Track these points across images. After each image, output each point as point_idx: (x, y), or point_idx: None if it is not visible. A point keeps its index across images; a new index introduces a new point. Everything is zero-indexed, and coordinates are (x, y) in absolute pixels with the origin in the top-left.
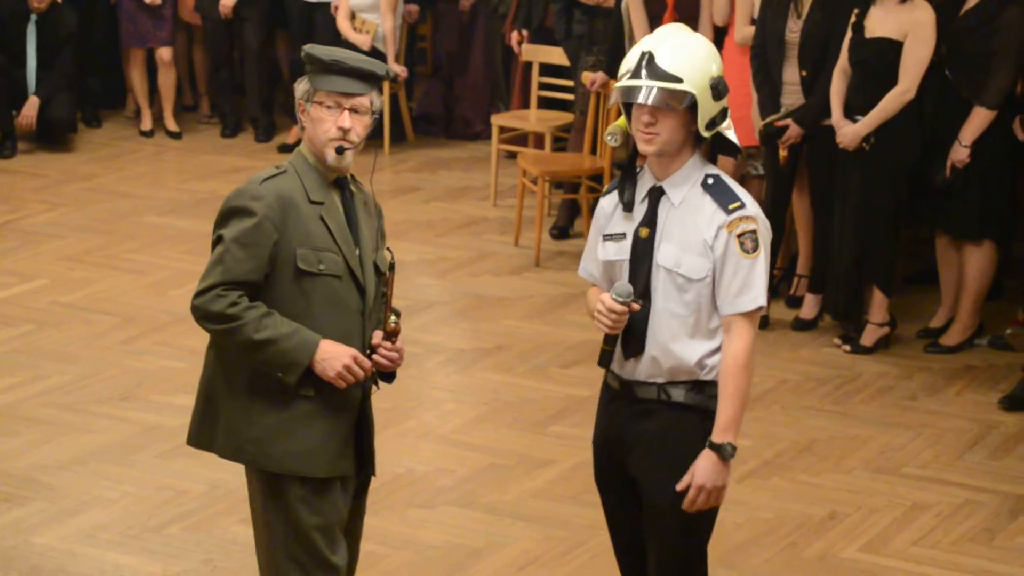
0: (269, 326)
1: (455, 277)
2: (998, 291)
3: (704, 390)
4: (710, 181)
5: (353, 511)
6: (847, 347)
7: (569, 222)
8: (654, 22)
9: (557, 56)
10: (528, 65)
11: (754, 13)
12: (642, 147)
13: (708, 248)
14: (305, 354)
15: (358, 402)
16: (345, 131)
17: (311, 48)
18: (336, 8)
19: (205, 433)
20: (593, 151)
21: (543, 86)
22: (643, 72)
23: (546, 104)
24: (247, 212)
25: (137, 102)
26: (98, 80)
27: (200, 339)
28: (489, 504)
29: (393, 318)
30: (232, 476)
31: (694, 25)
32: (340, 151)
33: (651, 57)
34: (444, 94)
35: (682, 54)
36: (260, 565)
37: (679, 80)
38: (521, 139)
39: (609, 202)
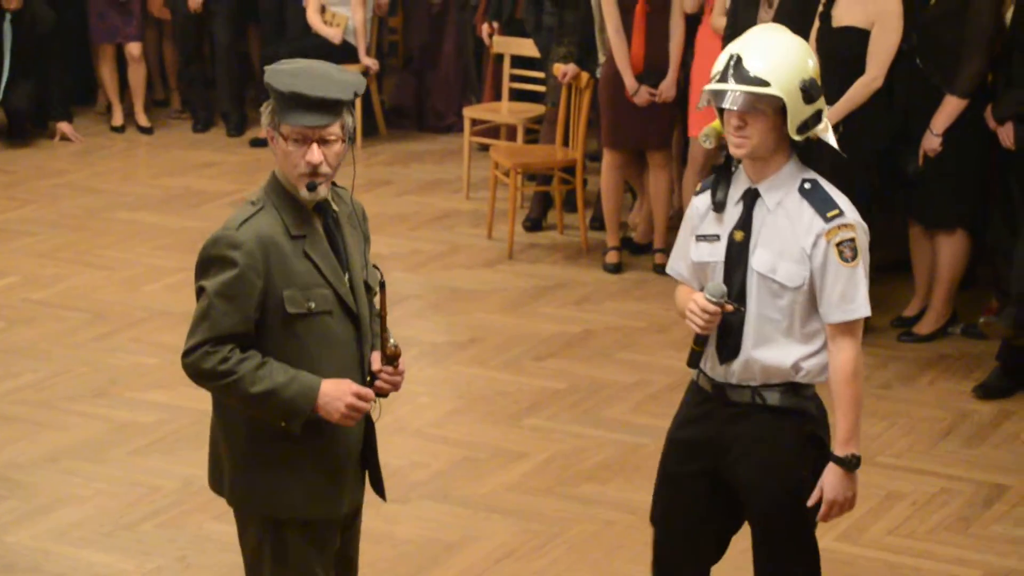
0: (265, 377)
1: (428, 270)
2: (971, 280)
3: (800, 392)
4: (807, 186)
5: (353, 534)
6: None
7: (542, 214)
8: (626, 13)
9: (528, 48)
10: (499, 57)
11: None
12: (733, 150)
13: (806, 256)
14: (306, 401)
15: (363, 431)
16: (315, 166)
17: (270, 76)
18: (307, 2)
19: (215, 477)
20: (565, 143)
21: (514, 78)
22: (730, 75)
23: (518, 96)
24: (228, 262)
25: (108, 97)
26: (71, 76)
27: (174, 335)
28: (464, 498)
29: (392, 341)
30: (205, 472)
31: (666, 14)
32: (312, 188)
33: (739, 60)
34: (416, 87)
35: (770, 56)
36: None
37: (766, 84)
38: (493, 131)
39: (702, 202)
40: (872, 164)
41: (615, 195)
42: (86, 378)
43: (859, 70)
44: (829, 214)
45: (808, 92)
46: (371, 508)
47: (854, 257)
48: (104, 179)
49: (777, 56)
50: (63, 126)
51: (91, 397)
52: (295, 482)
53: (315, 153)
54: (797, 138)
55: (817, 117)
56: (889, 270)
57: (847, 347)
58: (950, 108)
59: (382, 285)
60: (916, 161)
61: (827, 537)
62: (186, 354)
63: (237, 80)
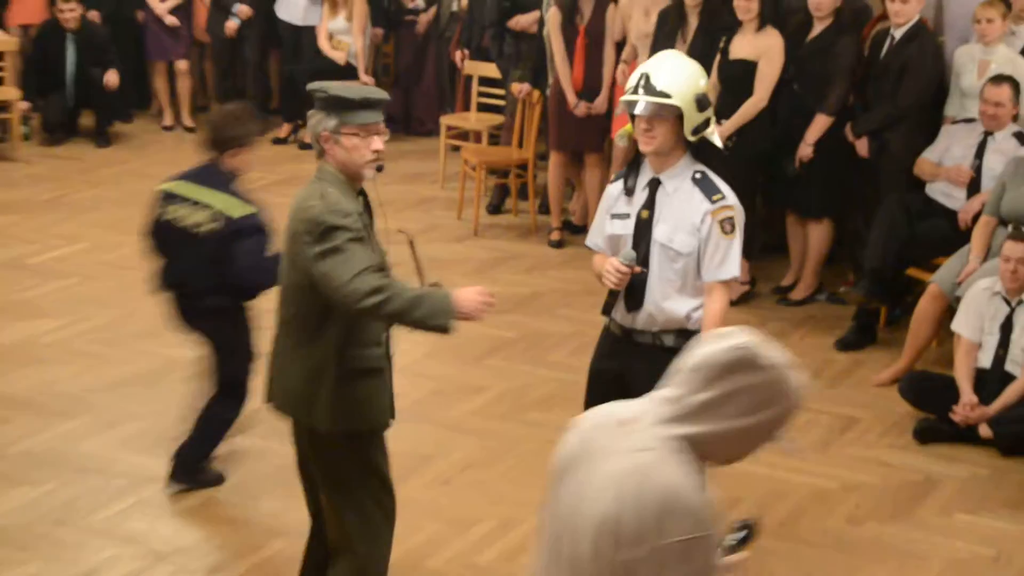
0: (409, 289)
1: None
2: (834, 258)
3: (689, 336)
4: (698, 176)
5: None
6: None
7: (501, 201)
8: (569, 44)
9: (492, 70)
10: (469, 77)
11: (635, 39)
12: (642, 148)
13: (696, 229)
14: (447, 300)
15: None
16: (379, 151)
17: (339, 90)
18: (319, 30)
19: (302, 408)
20: (520, 145)
21: (481, 94)
22: (641, 89)
23: (483, 108)
24: (343, 226)
25: (160, 103)
26: (131, 86)
27: None
28: (436, 420)
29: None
30: None
31: (600, 46)
32: (380, 168)
33: (648, 77)
34: (403, 99)
35: (672, 75)
36: (340, 522)
37: (669, 96)
38: (463, 135)
39: (616, 188)
40: (758, 166)
41: (559, 187)
42: (142, 322)
43: (748, 92)
44: (714, 197)
45: (701, 103)
46: None
47: (732, 231)
48: (156, 167)
49: (677, 75)
50: None
51: (147, 337)
52: (376, 401)
53: (378, 142)
54: (692, 139)
55: (707, 123)
56: (770, 250)
57: (719, 299)
58: (820, 124)
59: (411, 243)
60: (793, 164)
61: None
62: (342, 288)
63: (262, 91)
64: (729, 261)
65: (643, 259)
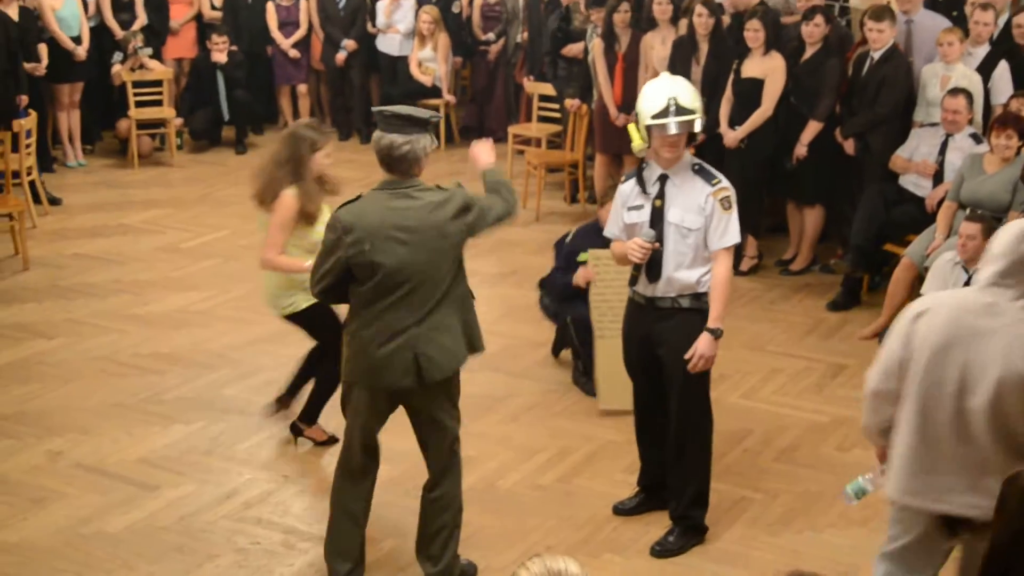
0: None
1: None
2: (826, 236)
3: (701, 299)
4: (696, 168)
5: None
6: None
7: (573, 194)
8: (610, 68)
9: (549, 89)
10: (531, 95)
11: (656, 63)
12: (667, 155)
13: (701, 209)
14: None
15: None
16: None
17: (435, 117)
18: (411, 59)
19: (461, 351)
20: (572, 149)
21: (540, 108)
22: (672, 111)
23: (542, 119)
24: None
25: (285, 118)
26: (262, 105)
27: None
28: (507, 369)
29: None
30: None
31: (636, 68)
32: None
33: (676, 100)
34: (478, 113)
35: (689, 96)
36: (452, 444)
37: (694, 113)
38: (526, 141)
39: (628, 186)
40: (765, 164)
41: (603, 181)
42: None
43: (757, 104)
44: (713, 181)
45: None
46: None
47: (730, 207)
48: None
49: (691, 94)
50: None
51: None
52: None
53: None
54: (698, 133)
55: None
56: (774, 230)
57: (723, 262)
58: (812, 128)
59: None
60: (791, 161)
61: (733, 396)
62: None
63: (365, 109)
64: (730, 231)
65: (659, 239)
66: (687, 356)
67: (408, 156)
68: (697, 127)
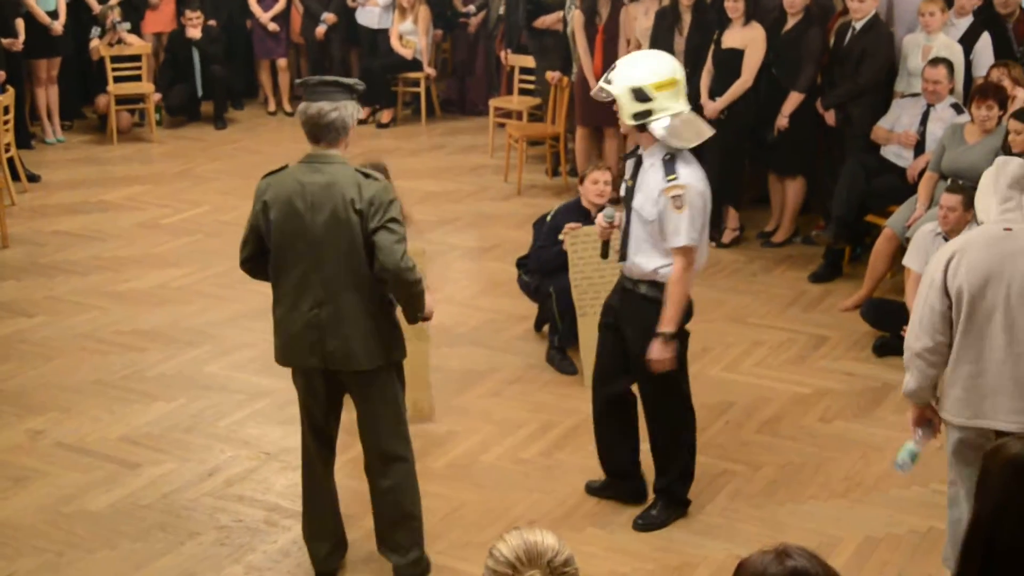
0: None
1: (467, 202)
2: (807, 208)
3: (658, 288)
4: (667, 158)
5: None
6: (712, 243)
7: (555, 166)
8: (590, 40)
9: (530, 62)
10: (511, 68)
11: (636, 35)
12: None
13: (655, 201)
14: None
15: None
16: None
17: (359, 84)
18: (391, 32)
19: (382, 351)
20: (553, 122)
21: (521, 81)
22: (604, 76)
23: (523, 92)
24: (397, 204)
25: (265, 93)
26: (241, 79)
27: None
28: (489, 344)
29: None
30: None
31: (615, 41)
32: None
33: (613, 68)
34: (459, 86)
35: (623, 69)
36: (392, 438)
37: (609, 83)
38: (508, 114)
39: (628, 161)
40: (746, 134)
41: (584, 154)
42: None
43: (737, 75)
44: (669, 177)
45: (638, 95)
46: (432, 349)
47: (681, 207)
48: (263, 145)
49: (627, 70)
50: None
51: (257, 281)
52: (400, 335)
53: None
54: (629, 123)
55: (647, 114)
56: (756, 202)
57: (677, 263)
58: (793, 99)
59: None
60: (772, 133)
61: (715, 368)
62: (401, 260)
63: None
64: (680, 233)
65: (627, 219)
66: (646, 358)
67: (336, 123)
68: (604, 96)
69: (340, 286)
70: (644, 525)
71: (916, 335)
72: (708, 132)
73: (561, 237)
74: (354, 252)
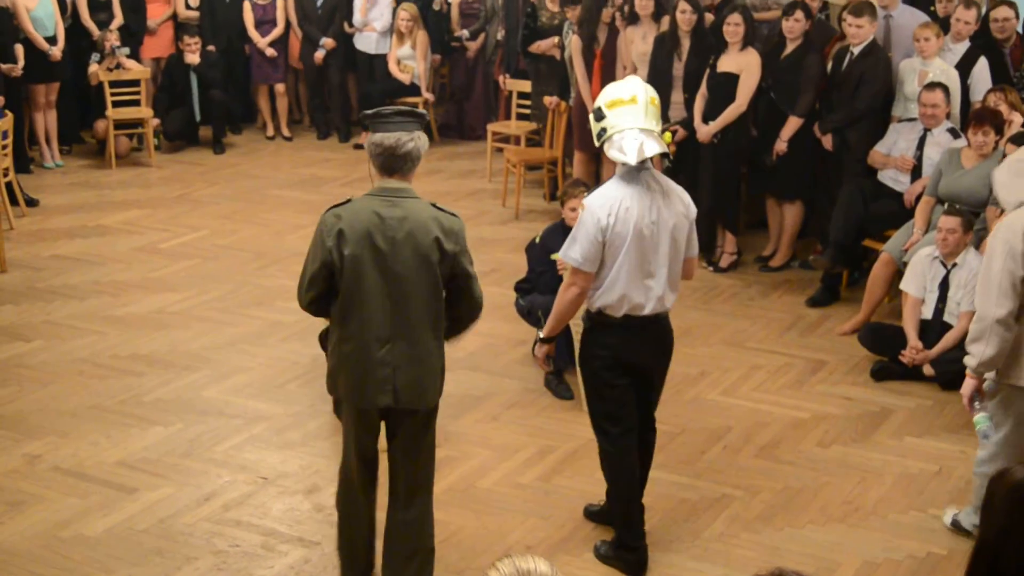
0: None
1: (465, 226)
2: (805, 232)
3: (589, 316)
4: (616, 176)
5: None
6: (710, 268)
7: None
8: (588, 64)
9: (528, 87)
10: (510, 93)
11: (633, 59)
12: None
13: None
14: None
15: None
16: None
17: (425, 114)
18: (389, 57)
19: (438, 390)
20: (551, 147)
21: (519, 105)
22: None
23: (521, 116)
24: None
25: (264, 118)
26: (239, 104)
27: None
28: (487, 368)
29: None
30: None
31: (613, 66)
32: None
33: None
34: (457, 111)
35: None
36: (425, 471)
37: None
38: (506, 139)
39: None
40: (740, 158)
41: (583, 178)
42: (251, 293)
43: (731, 99)
44: (585, 196)
45: (596, 115)
46: None
47: (577, 229)
48: (261, 169)
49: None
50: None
51: (254, 305)
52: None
53: None
54: (596, 143)
55: (604, 132)
56: (753, 226)
57: (566, 281)
58: (792, 124)
59: None
60: (771, 157)
61: (713, 392)
62: (481, 303)
63: (345, 107)
64: (571, 248)
65: None
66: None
67: (412, 154)
68: (594, 130)
69: (419, 323)
70: (596, 549)
71: (997, 302)
72: (651, 150)
73: (554, 257)
74: (436, 291)
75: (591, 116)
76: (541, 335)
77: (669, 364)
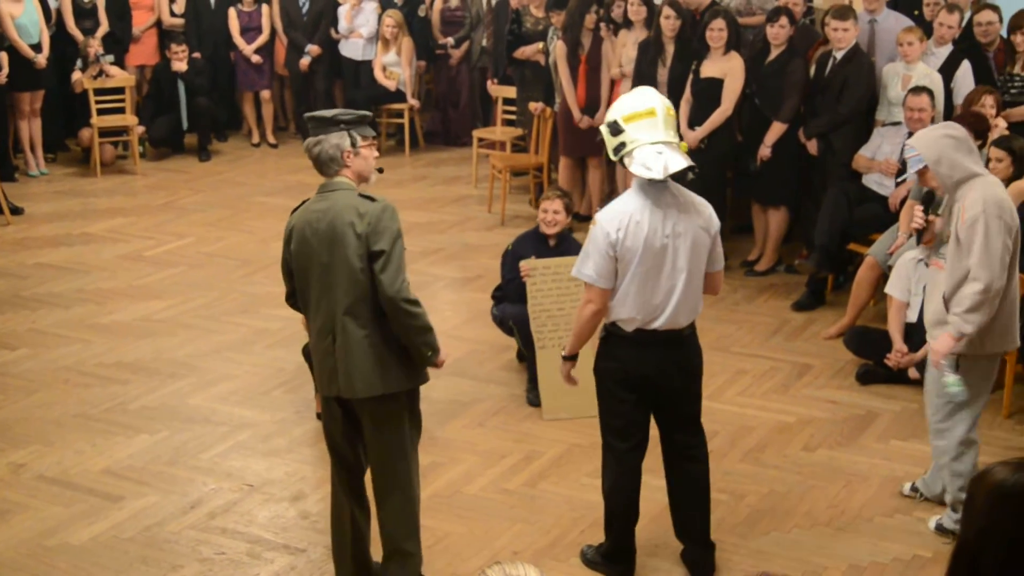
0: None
1: (451, 232)
2: (790, 237)
3: (603, 328)
4: (629, 190)
5: None
6: None
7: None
8: (573, 71)
9: (513, 93)
10: (495, 99)
11: (621, 62)
12: None
13: None
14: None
15: None
16: (377, 158)
17: (352, 114)
18: (375, 64)
19: (381, 380)
20: (536, 152)
21: (505, 111)
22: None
23: (507, 123)
24: (400, 230)
25: (249, 125)
26: (225, 111)
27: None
28: (473, 374)
29: None
30: None
31: (599, 71)
32: (381, 171)
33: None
34: (443, 117)
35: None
36: (390, 469)
37: (602, 123)
38: (491, 145)
39: None
40: (725, 163)
41: (568, 184)
42: (237, 301)
43: (716, 104)
44: (598, 213)
45: (612, 128)
46: None
47: (588, 244)
48: (247, 176)
49: (612, 106)
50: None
51: (240, 313)
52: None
53: (375, 151)
54: (613, 159)
55: (620, 147)
56: (739, 231)
57: (583, 298)
58: (776, 130)
59: None
60: (755, 162)
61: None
62: (398, 289)
63: None
64: (578, 263)
65: None
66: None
67: (321, 156)
68: (611, 144)
69: (346, 313)
70: (582, 554)
71: (999, 275)
72: (677, 165)
73: (521, 264)
74: (354, 278)
75: (605, 130)
76: (560, 352)
77: (693, 386)
